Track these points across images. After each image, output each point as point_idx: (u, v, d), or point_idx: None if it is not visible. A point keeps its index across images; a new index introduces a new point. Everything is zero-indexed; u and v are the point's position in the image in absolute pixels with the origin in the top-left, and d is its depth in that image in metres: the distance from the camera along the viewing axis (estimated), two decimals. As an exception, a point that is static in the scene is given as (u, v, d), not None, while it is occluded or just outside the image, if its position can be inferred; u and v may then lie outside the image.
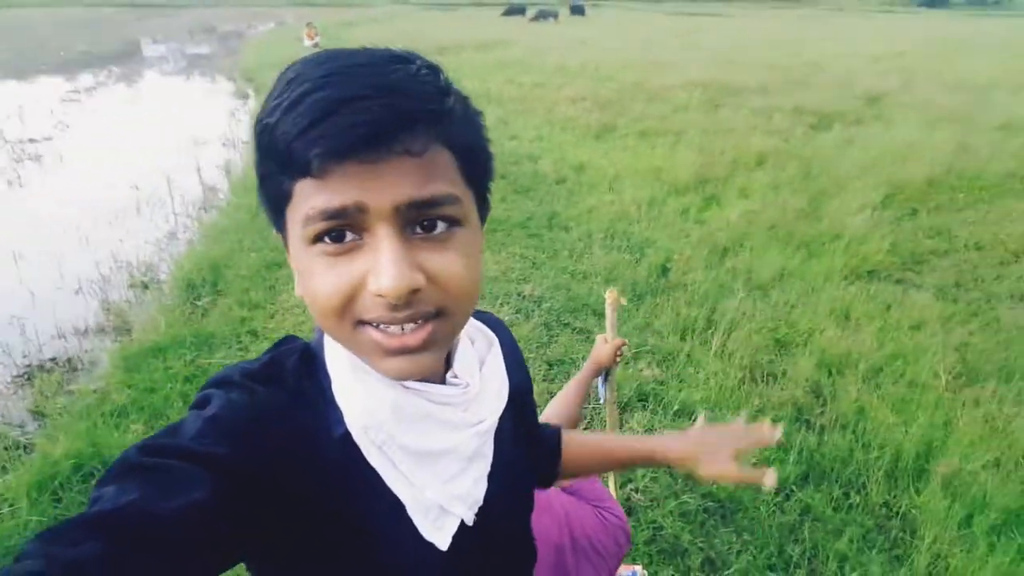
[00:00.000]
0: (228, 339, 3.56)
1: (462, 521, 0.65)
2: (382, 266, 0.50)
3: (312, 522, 0.57)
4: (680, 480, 2.61)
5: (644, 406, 3.05)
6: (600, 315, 3.90)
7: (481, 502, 0.66)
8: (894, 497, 2.59)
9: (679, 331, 3.71)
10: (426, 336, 0.54)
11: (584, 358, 3.40)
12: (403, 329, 0.54)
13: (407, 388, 0.60)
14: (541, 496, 1.36)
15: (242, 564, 0.61)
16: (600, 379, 1.70)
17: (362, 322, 0.54)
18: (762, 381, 3.29)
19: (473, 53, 15.13)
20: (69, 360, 3.54)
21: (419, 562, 0.63)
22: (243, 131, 8.69)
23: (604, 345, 1.60)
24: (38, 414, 3.07)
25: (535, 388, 3.10)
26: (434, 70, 0.55)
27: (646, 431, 2.86)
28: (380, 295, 0.51)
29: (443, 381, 0.64)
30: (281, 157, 0.50)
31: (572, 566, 1.36)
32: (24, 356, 3.57)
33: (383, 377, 0.59)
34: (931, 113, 8.59)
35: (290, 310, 3.85)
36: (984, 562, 2.25)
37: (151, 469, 0.49)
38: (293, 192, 0.52)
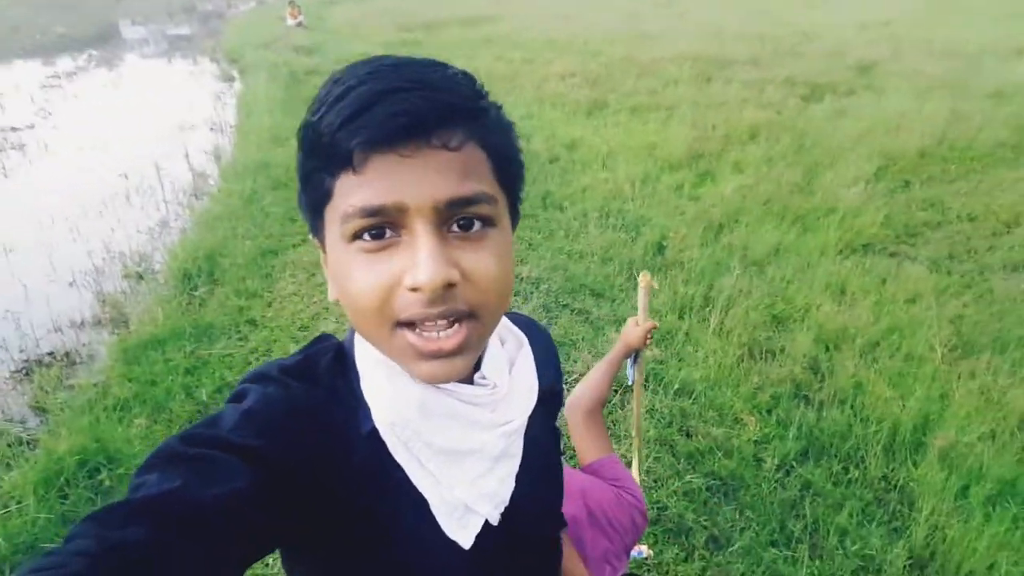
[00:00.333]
0: (227, 329, 3.55)
1: (487, 521, 0.65)
2: (419, 260, 0.52)
3: (340, 516, 0.59)
4: (682, 460, 2.64)
5: (645, 386, 3.07)
6: (598, 295, 3.91)
7: (507, 502, 0.67)
8: (892, 470, 2.63)
9: (677, 310, 3.72)
10: (461, 340, 0.55)
11: (584, 339, 3.42)
12: (438, 333, 0.54)
13: (435, 387, 0.61)
14: None
15: (265, 562, 0.62)
16: (629, 360, 1.74)
17: (399, 324, 0.54)
18: (760, 358, 3.31)
19: (460, 29, 14.90)
20: (67, 354, 3.53)
21: (442, 560, 0.64)
22: (230, 115, 8.57)
23: (635, 327, 1.66)
24: (39, 409, 3.07)
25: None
26: (468, 75, 0.57)
27: (647, 412, 2.89)
28: (416, 288, 0.52)
29: (471, 381, 0.64)
30: (324, 151, 0.52)
31: (587, 539, 1.38)
32: (21, 351, 3.55)
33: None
34: (922, 82, 8.56)
35: (288, 298, 3.84)
36: (980, 532, 2.30)
37: (193, 458, 0.51)
38: (334, 190, 0.54)
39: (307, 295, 3.82)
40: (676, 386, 3.04)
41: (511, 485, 0.67)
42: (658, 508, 2.42)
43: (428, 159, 0.51)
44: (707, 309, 3.69)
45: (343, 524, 0.59)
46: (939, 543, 2.31)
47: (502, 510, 0.66)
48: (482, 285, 0.55)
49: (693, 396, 3.01)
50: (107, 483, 2.51)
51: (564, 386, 0.90)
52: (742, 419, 2.89)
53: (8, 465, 2.67)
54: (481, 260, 0.55)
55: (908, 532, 2.38)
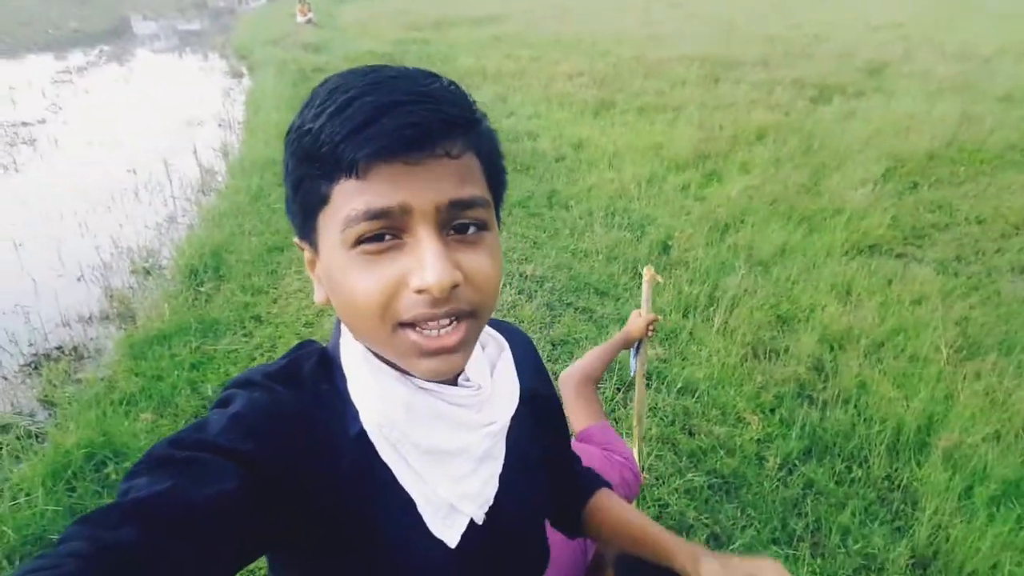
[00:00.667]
0: (232, 325, 3.58)
1: (472, 520, 0.66)
2: (427, 262, 0.53)
3: (327, 518, 0.59)
4: (684, 458, 2.65)
5: (648, 384, 3.07)
6: (602, 294, 3.91)
7: (491, 502, 0.68)
8: (896, 470, 2.63)
9: (681, 309, 3.73)
10: (461, 336, 0.57)
11: (588, 338, 3.43)
12: (439, 332, 0.56)
13: (421, 388, 0.62)
14: None
15: (259, 564, 0.63)
16: (632, 351, 1.77)
17: (401, 324, 0.56)
18: (764, 358, 3.31)
19: (468, 28, 14.92)
20: (75, 348, 3.56)
21: (429, 559, 0.65)
22: (239, 112, 8.62)
23: (638, 318, 1.69)
24: (48, 403, 3.10)
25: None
26: (458, 86, 0.59)
27: (650, 410, 2.89)
28: (424, 290, 0.53)
29: (455, 383, 0.65)
30: (325, 159, 0.53)
31: None
32: (30, 345, 3.58)
33: (399, 376, 0.62)
34: (933, 84, 8.52)
35: (293, 295, 3.86)
36: (983, 532, 2.30)
37: (182, 461, 0.51)
38: (331, 195, 0.54)
39: (312, 292, 3.82)
40: (679, 385, 3.05)
41: (495, 485, 0.69)
42: (659, 506, 2.43)
43: (431, 167, 0.53)
44: (711, 308, 3.69)
45: (331, 526, 0.60)
46: (942, 543, 2.31)
47: (487, 510, 0.68)
48: (480, 285, 0.57)
49: (696, 395, 3.02)
50: (113, 476, 2.53)
51: (554, 390, 0.90)
52: (745, 418, 2.89)
53: (17, 458, 2.70)
54: (479, 261, 0.57)
55: (911, 531, 2.37)
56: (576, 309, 3.74)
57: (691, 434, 2.80)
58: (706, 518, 2.39)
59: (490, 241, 0.58)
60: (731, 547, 2.29)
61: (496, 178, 0.62)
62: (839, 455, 2.71)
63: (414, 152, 0.52)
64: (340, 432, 0.62)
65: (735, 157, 6.12)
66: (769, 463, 2.63)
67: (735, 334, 3.43)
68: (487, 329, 0.75)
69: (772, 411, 2.94)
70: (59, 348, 3.57)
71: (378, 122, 0.51)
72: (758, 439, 2.78)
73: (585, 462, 1.43)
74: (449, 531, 0.65)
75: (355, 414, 0.62)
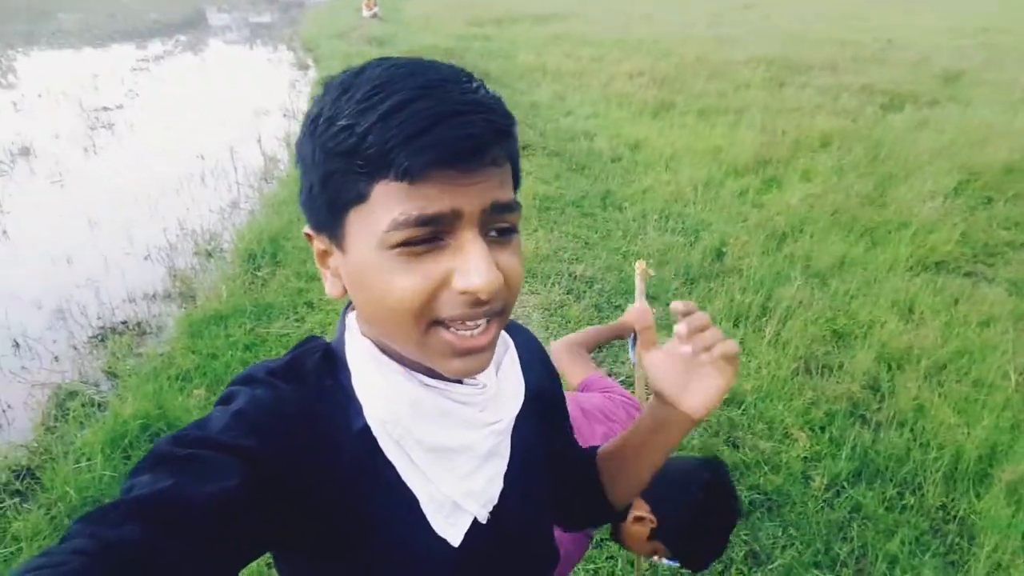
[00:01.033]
0: (286, 310, 3.68)
1: (476, 519, 0.66)
2: (473, 265, 0.53)
3: (330, 515, 0.59)
4: (727, 470, 2.59)
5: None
6: (652, 298, 3.86)
7: (496, 500, 0.68)
8: (952, 501, 2.51)
9: (732, 317, 3.65)
10: (492, 336, 0.58)
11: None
12: (473, 332, 0.56)
13: (427, 385, 0.62)
14: None
15: (267, 561, 0.63)
16: (630, 343, 1.80)
17: (435, 323, 0.56)
18: (817, 373, 3.21)
19: (531, 25, 14.93)
20: (139, 324, 3.72)
21: (431, 557, 0.64)
22: (303, 103, 8.83)
23: (631, 312, 1.73)
24: (111, 374, 3.25)
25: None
26: (497, 93, 0.59)
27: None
28: (469, 292, 0.53)
29: (460, 381, 0.65)
30: (371, 160, 0.52)
31: (585, 433, 1.42)
32: (98, 318, 3.76)
33: (405, 373, 0.62)
34: (1014, 94, 8.09)
35: (345, 283, 3.94)
36: (1046, 573, 2.17)
37: (184, 459, 0.52)
38: (370, 194, 0.53)
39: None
40: (726, 396, 2.98)
41: (499, 484, 0.68)
42: (698, 518, 2.38)
43: (481, 175, 0.54)
44: (763, 319, 3.59)
45: (333, 522, 0.60)
46: (998, 581, 2.20)
47: (491, 508, 0.67)
48: (512, 285, 0.58)
49: (743, 407, 2.95)
50: (166, 448, 2.64)
51: (560, 385, 0.89)
52: (792, 434, 2.81)
53: (81, 424, 2.85)
54: (512, 262, 0.58)
55: (966, 567, 2.27)
56: (624, 312, 3.69)
57: (735, 447, 2.74)
58: (745, 534, 2.33)
59: (518, 242, 0.60)
60: (769, 566, 2.23)
61: (518, 184, 0.62)
62: (891, 480, 2.60)
63: (468, 162, 0.52)
64: (343, 428, 0.62)
65: (797, 164, 5.95)
66: (815, 483, 2.55)
67: (787, 347, 3.34)
68: None
69: (822, 429, 2.85)
70: (124, 323, 3.73)
71: (434, 131, 0.50)
72: (805, 457, 2.69)
73: (589, 407, 1.50)
74: (452, 529, 0.65)
75: (359, 410, 0.62)
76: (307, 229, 0.62)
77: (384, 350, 0.62)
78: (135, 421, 2.71)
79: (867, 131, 6.80)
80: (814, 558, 2.26)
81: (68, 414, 2.91)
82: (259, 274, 4.09)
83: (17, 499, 2.44)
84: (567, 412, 0.91)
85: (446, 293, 0.54)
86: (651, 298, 3.85)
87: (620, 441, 0.84)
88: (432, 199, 0.52)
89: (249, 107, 8.54)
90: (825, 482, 2.55)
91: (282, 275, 4.04)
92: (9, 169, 6.28)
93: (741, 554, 2.25)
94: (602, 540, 2.28)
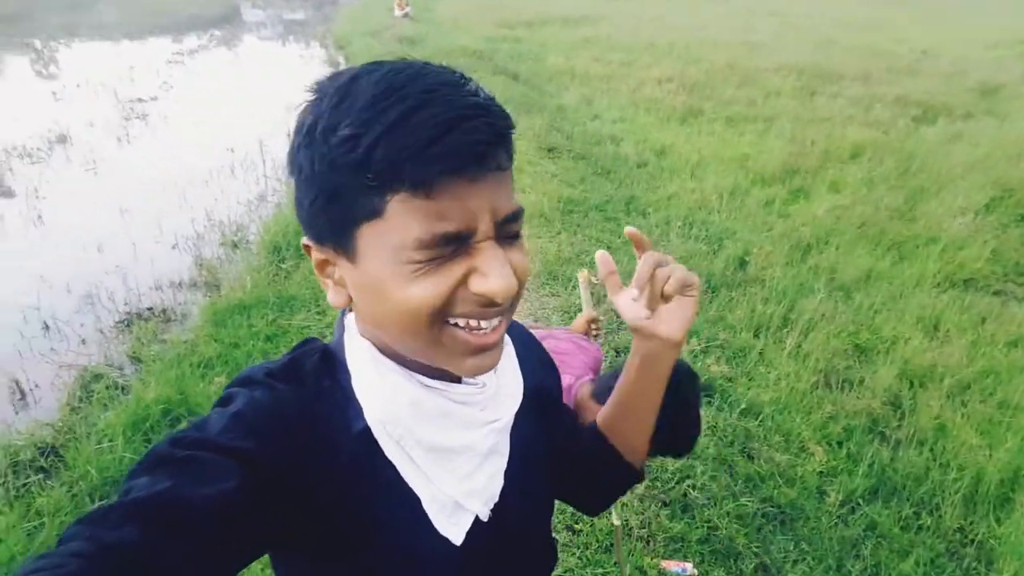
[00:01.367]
0: (308, 302, 3.72)
1: (477, 517, 0.67)
2: (492, 271, 0.54)
3: (330, 516, 0.60)
4: (740, 481, 2.57)
5: (710, 402, 3.00)
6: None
7: (497, 498, 0.68)
8: (971, 523, 2.47)
9: (753, 328, 3.61)
10: (502, 333, 0.59)
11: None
12: (487, 330, 0.58)
13: (427, 386, 0.62)
14: None
15: (262, 564, 0.64)
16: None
17: (448, 322, 0.57)
18: (837, 387, 3.17)
19: (560, 28, 14.92)
20: (164, 311, 3.80)
21: (434, 556, 0.65)
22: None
23: (579, 319, 1.86)
24: (135, 359, 3.32)
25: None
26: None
27: (709, 428, 2.82)
28: (486, 294, 0.54)
29: (460, 380, 0.66)
30: (382, 173, 0.50)
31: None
32: (125, 304, 3.84)
33: (404, 373, 0.62)
34: (1054, 109, 7.91)
35: (367, 279, 3.98)
36: (1067, 602, 2.13)
37: (182, 461, 0.52)
38: (385, 209, 0.52)
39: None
40: (743, 406, 2.96)
41: (500, 482, 0.69)
42: (708, 528, 2.37)
43: (489, 180, 0.54)
44: (785, 330, 3.56)
45: (334, 523, 0.60)
46: (1015, 606, 2.15)
47: (492, 506, 0.68)
48: (522, 283, 0.59)
49: (760, 418, 2.92)
50: (186, 434, 2.69)
51: (558, 380, 0.90)
52: (809, 448, 2.77)
53: (105, 406, 2.92)
54: (522, 261, 0.59)
55: (981, 590, 2.22)
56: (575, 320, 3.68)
57: (750, 458, 2.72)
58: (756, 546, 2.31)
59: (523, 243, 0.61)
60: (781, 579, 2.21)
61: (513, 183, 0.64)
62: (908, 499, 2.56)
63: (478, 168, 0.52)
64: (342, 429, 0.62)
65: (825, 174, 5.88)
66: (830, 498, 2.52)
67: (808, 359, 3.30)
68: None
69: (839, 444, 2.81)
70: (150, 309, 3.81)
71: (445, 139, 0.49)
72: (821, 471, 2.66)
73: (556, 348, 1.60)
74: (454, 528, 0.65)
75: (358, 411, 0.62)
76: (306, 240, 0.60)
77: (384, 351, 0.62)
78: (157, 406, 2.77)
79: (899, 143, 6.69)
80: (826, 574, 2.24)
81: (92, 396, 2.98)
82: (283, 266, 4.14)
83: (41, 475, 2.51)
84: (566, 406, 0.91)
85: (461, 291, 0.55)
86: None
87: (615, 395, 0.84)
88: (450, 214, 0.52)
89: (280, 102, 8.60)
90: (840, 498, 2.52)
91: (305, 268, 4.09)
92: (47, 156, 6.44)
93: (751, 566, 2.24)
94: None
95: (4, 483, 2.45)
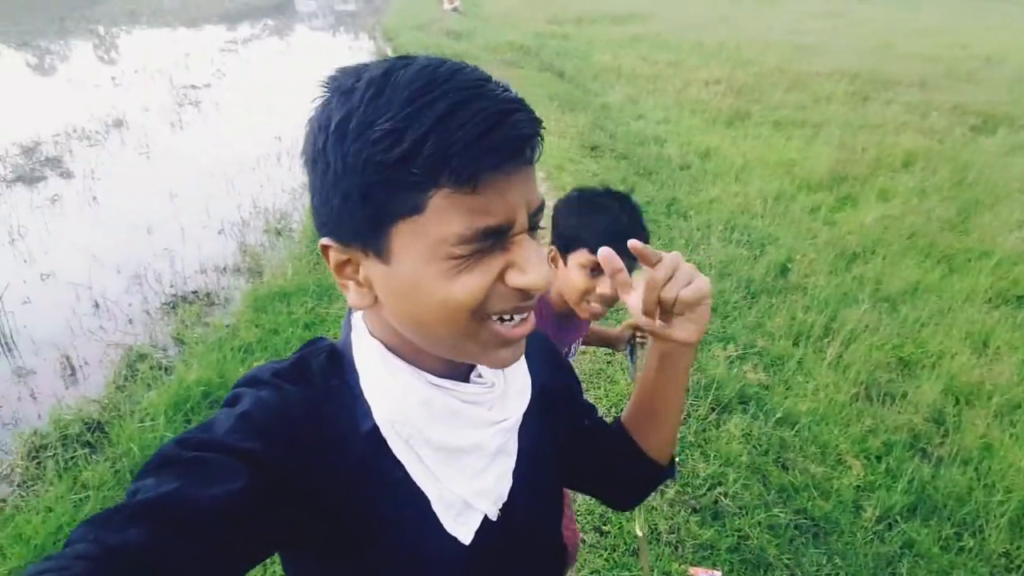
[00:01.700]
0: (346, 292, 3.77)
1: (486, 517, 0.66)
2: (530, 264, 0.55)
3: (339, 514, 0.60)
4: (773, 492, 2.53)
5: (745, 409, 2.95)
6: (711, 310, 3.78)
7: (505, 498, 0.68)
8: (1017, 548, 2.38)
9: (792, 336, 3.54)
10: (532, 323, 0.60)
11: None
12: (519, 322, 0.58)
13: (436, 385, 0.62)
14: None
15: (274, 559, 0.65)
16: (628, 355, 1.78)
17: (484, 318, 0.57)
18: (878, 400, 3.09)
19: (609, 26, 14.81)
20: (208, 295, 3.90)
21: (442, 555, 0.64)
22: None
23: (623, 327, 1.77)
24: (179, 341, 3.42)
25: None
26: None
27: (743, 436, 2.78)
28: (526, 288, 0.55)
29: (468, 379, 0.66)
30: (427, 168, 0.50)
31: None
32: (171, 286, 3.96)
33: (414, 373, 0.62)
34: (1125, 122, 7.55)
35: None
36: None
37: (189, 462, 0.52)
38: (426, 205, 0.51)
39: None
40: (779, 415, 2.90)
41: (508, 481, 0.68)
42: (739, 537, 2.33)
43: (524, 174, 0.54)
44: (825, 340, 3.48)
45: (341, 523, 0.60)
46: (1059, 637, 2.07)
47: (500, 506, 0.67)
48: None
49: (796, 428, 2.86)
50: (224, 415, 2.76)
51: (571, 377, 0.89)
52: (846, 461, 2.71)
53: (148, 386, 3.01)
54: (544, 256, 0.58)
55: (1024, 618, 2.15)
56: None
57: (784, 468, 2.67)
58: (787, 558, 2.27)
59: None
60: (811, 593, 2.17)
61: None
62: (949, 519, 2.49)
63: (518, 161, 0.53)
64: (350, 428, 0.61)
65: (875, 182, 5.72)
66: (867, 513, 2.46)
67: (848, 370, 3.22)
68: None
69: (878, 458, 2.74)
70: (195, 292, 3.92)
71: (493, 133, 0.49)
72: (858, 486, 2.60)
73: None
74: (463, 528, 0.64)
75: (367, 410, 0.61)
76: (326, 241, 0.57)
77: (394, 350, 0.62)
78: (197, 387, 2.85)
79: (954, 153, 6.48)
80: (859, 591, 2.19)
81: (137, 375, 3.08)
82: (324, 255, 4.21)
83: (87, 450, 2.61)
84: (579, 399, 0.88)
85: (499, 286, 0.55)
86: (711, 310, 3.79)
87: (636, 395, 0.83)
88: (492, 208, 0.52)
89: (327, 93, 8.77)
90: (877, 513, 2.45)
91: (345, 258, 4.14)
92: (103, 139, 6.66)
93: (781, 578, 2.20)
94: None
95: (54, 455, 2.55)
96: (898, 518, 2.46)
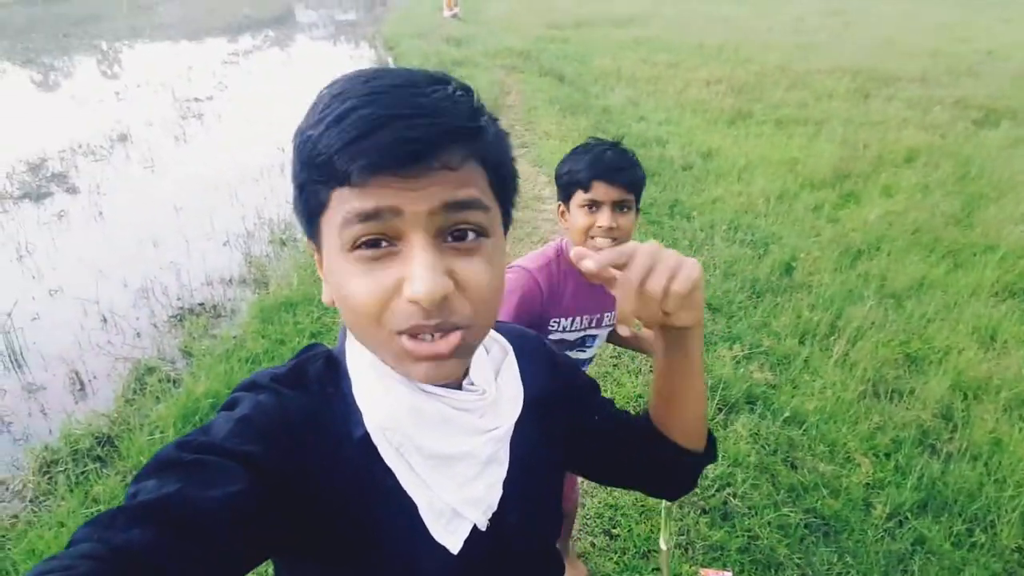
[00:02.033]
0: (352, 300, 3.79)
1: (476, 526, 0.66)
2: (416, 272, 0.52)
3: (331, 521, 0.60)
4: (782, 491, 2.52)
5: (752, 409, 2.95)
6: (715, 310, 3.79)
7: (495, 508, 0.67)
8: (1029, 543, 2.37)
9: (798, 334, 3.54)
10: (455, 344, 0.56)
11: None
12: (432, 339, 0.55)
13: (427, 392, 0.62)
14: None
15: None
16: None
17: (392, 333, 0.55)
18: (885, 397, 3.08)
19: (609, 29, 14.83)
20: (214, 306, 3.92)
21: (431, 564, 0.64)
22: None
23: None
24: (186, 353, 3.44)
25: (643, 378, 3.09)
26: (468, 91, 0.58)
27: (752, 435, 2.78)
28: (414, 301, 0.52)
29: (459, 387, 0.65)
30: (322, 167, 0.53)
31: None
32: (178, 299, 3.98)
33: (404, 380, 0.61)
34: None
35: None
36: None
37: (189, 464, 0.52)
38: (330, 200, 0.55)
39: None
40: (786, 414, 2.90)
41: (499, 491, 0.68)
42: (748, 537, 2.33)
43: (429, 178, 0.53)
44: (832, 338, 3.47)
45: (334, 529, 0.60)
46: (1074, 632, 2.06)
47: (490, 516, 0.67)
48: (476, 295, 0.56)
49: (804, 427, 2.86)
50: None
51: (574, 377, 0.86)
52: (855, 459, 2.70)
53: (157, 398, 3.03)
54: (476, 270, 0.56)
55: (1039, 614, 2.13)
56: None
57: (793, 467, 2.66)
58: (798, 558, 2.27)
59: (490, 248, 0.57)
60: (822, 592, 2.16)
61: (504, 184, 0.61)
62: (960, 515, 2.47)
63: (409, 166, 0.52)
64: (344, 436, 0.62)
65: (878, 179, 5.71)
66: (877, 511, 2.45)
67: (855, 368, 3.22)
68: (492, 333, 0.74)
69: (887, 456, 2.73)
70: (201, 304, 3.94)
71: (373, 136, 0.50)
72: (867, 483, 2.59)
73: None
74: (452, 537, 0.64)
75: (359, 418, 0.62)
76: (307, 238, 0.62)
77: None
78: (206, 399, 2.86)
79: (957, 147, 6.46)
80: (870, 589, 2.18)
81: (146, 388, 3.10)
82: (329, 265, 4.22)
83: (98, 464, 2.63)
84: (592, 393, 0.87)
85: (399, 302, 0.54)
86: (714, 309, 3.79)
87: (653, 384, 0.80)
88: (376, 197, 0.52)
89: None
90: (887, 511, 2.44)
91: (350, 267, 4.16)
92: (108, 154, 6.72)
93: (792, 578, 2.19)
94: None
95: (65, 470, 2.57)
96: (908, 515, 2.45)
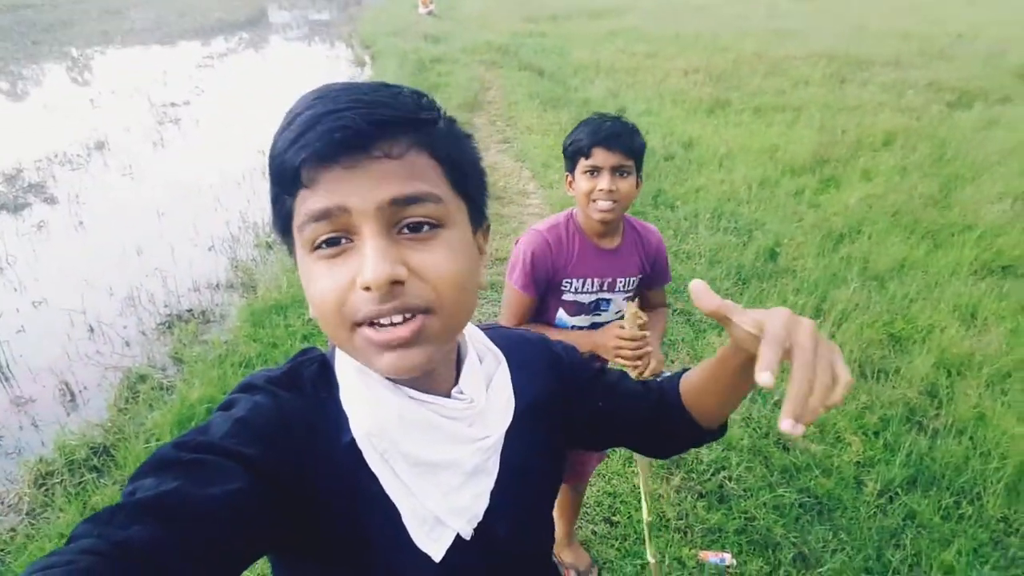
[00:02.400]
0: (342, 301, 3.79)
1: (460, 536, 0.66)
2: (365, 259, 0.54)
3: (320, 523, 0.61)
4: (776, 473, 2.57)
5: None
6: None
7: (480, 517, 0.68)
8: (1015, 512, 2.43)
9: (785, 319, 3.58)
10: (417, 327, 0.56)
11: (684, 340, 3.38)
12: (392, 325, 0.56)
13: (413, 398, 0.63)
14: None
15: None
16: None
17: (357, 324, 0.56)
18: (872, 377, 3.14)
19: (586, 21, 14.87)
20: (203, 312, 3.90)
21: (414, 571, 0.65)
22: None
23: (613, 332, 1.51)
24: (177, 360, 3.42)
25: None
26: (416, 92, 0.60)
27: (743, 419, 2.83)
28: (365, 287, 0.54)
29: (448, 395, 0.66)
30: (280, 175, 0.56)
31: None
32: (166, 306, 3.95)
33: (391, 386, 0.62)
34: (1096, 91, 7.68)
35: (399, 276, 4.04)
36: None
37: (188, 463, 0.53)
38: (294, 208, 0.57)
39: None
40: (776, 397, 2.95)
41: (485, 501, 0.68)
42: (745, 518, 2.37)
43: (371, 169, 0.54)
44: (817, 320, 3.53)
45: (323, 531, 0.61)
46: (1062, 597, 2.13)
47: (475, 525, 0.67)
48: (433, 281, 0.56)
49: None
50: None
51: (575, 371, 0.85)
52: (845, 438, 2.76)
53: (151, 406, 3.01)
54: (430, 257, 0.56)
55: (1027, 581, 2.20)
56: (675, 311, 3.68)
57: (785, 449, 2.71)
58: (794, 536, 2.32)
59: (448, 238, 0.58)
60: (819, 569, 2.21)
61: (465, 178, 0.62)
62: (948, 488, 2.54)
63: (348, 155, 0.54)
64: (335, 439, 0.63)
65: (857, 163, 5.80)
66: (868, 488, 2.51)
67: (841, 349, 3.26)
68: (486, 343, 0.75)
69: (876, 434, 2.79)
70: (190, 311, 3.91)
71: (312, 130, 0.53)
72: (858, 462, 2.65)
73: None
74: (434, 544, 0.64)
75: (348, 422, 0.63)
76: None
77: None
78: (201, 405, 2.86)
79: (932, 130, 6.57)
80: (865, 563, 2.23)
81: (139, 396, 3.08)
82: (316, 266, 4.21)
83: (95, 474, 2.61)
84: (595, 381, 0.85)
85: (355, 294, 0.55)
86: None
87: (702, 379, 0.78)
88: (324, 196, 0.54)
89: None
90: (878, 488, 2.50)
91: (338, 268, 4.16)
92: (86, 162, 6.62)
93: (789, 556, 2.24)
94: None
95: (62, 481, 2.56)
96: (899, 491, 2.51)
